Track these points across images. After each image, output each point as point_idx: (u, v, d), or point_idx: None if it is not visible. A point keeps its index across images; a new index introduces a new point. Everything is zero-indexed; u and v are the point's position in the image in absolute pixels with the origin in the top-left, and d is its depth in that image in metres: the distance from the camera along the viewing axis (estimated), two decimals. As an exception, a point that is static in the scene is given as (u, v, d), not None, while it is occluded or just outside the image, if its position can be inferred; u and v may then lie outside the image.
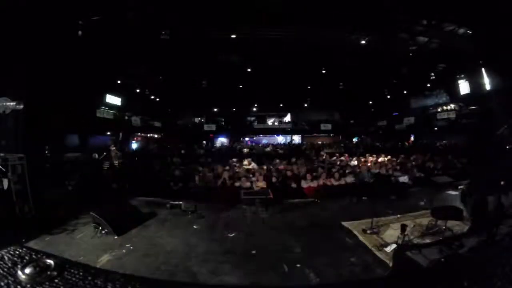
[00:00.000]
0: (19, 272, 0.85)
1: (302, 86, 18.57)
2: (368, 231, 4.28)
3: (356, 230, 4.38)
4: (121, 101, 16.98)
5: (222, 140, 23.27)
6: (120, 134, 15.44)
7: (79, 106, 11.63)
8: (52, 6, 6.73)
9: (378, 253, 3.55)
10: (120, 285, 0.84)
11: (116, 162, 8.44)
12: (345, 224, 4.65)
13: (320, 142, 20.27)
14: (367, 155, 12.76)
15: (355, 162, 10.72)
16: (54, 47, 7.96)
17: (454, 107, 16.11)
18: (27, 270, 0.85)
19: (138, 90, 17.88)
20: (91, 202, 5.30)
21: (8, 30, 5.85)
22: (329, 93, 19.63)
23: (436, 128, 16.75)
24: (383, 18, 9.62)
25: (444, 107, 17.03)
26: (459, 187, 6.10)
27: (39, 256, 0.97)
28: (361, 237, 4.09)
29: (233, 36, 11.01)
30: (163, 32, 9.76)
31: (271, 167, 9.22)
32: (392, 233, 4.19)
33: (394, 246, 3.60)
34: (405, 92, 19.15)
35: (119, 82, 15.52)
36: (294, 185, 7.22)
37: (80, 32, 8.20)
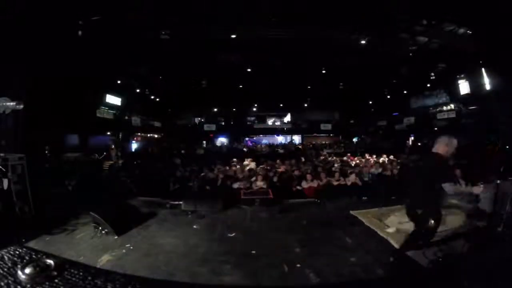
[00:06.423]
0: (19, 272, 0.85)
1: (302, 86, 18.58)
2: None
3: (363, 217, 5.11)
4: (121, 101, 16.97)
5: (222, 140, 23.30)
6: (120, 134, 15.47)
7: (79, 106, 11.66)
8: (52, 6, 6.72)
9: (381, 233, 4.21)
10: (120, 285, 0.84)
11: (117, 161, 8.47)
12: (353, 212, 5.46)
13: (315, 142, 20.30)
14: (366, 155, 12.75)
15: (356, 162, 10.71)
16: (54, 47, 7.97)
17: (454, 107, 16.10)
18: (27, 270, 0.85)
19: (138, 90, 17.88)
20: (91, 202, 5.30)
21: (8, 30, 5.84)
22: (329, 93, 19.64)
23: (436, 128, 16.72)
24: (383, 18, 9.61)
25: (444, 107, 17.04)
26: None
27: (39, 256, 0.97)
28: (366, 222, 4.82)
29: (233, 36, 10.99)
30: (163, 32, 9.77)
31: (269, 167, 9.20)
32: (393, 219, 4.74)
33: (395, 228, 4.21)
34: (405, 92, 19.15)
35: (119, 82, 15.51)
36: (294, 188, 7.19)
37: (80, 32, 8.20)
